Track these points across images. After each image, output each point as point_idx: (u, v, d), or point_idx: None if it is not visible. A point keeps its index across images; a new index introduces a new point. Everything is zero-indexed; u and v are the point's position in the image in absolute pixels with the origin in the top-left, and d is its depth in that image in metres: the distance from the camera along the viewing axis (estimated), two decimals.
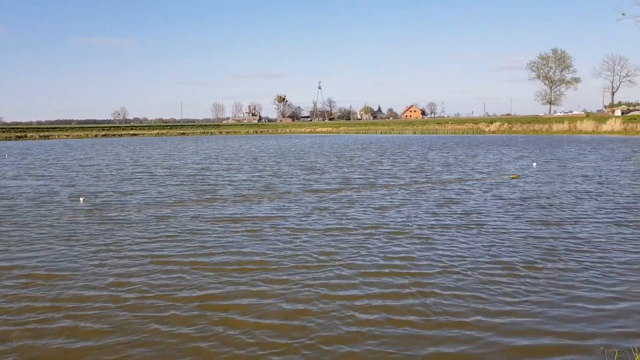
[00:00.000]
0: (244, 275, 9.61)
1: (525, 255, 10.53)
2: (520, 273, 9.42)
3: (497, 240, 11.82)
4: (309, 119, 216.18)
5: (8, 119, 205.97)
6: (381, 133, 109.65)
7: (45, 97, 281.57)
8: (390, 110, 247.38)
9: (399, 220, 14.24)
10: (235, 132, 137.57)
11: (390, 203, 17.03)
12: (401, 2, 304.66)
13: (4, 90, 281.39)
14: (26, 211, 16.43)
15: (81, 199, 18.56)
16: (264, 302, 8.23)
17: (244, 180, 24.21)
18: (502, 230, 12.80)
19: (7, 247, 11.80)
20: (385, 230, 13.03)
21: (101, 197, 19.16)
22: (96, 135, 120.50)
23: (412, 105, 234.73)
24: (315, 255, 10.80)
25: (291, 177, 25.09)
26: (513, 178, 23.44)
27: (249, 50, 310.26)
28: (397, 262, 10.23)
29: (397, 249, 11.26)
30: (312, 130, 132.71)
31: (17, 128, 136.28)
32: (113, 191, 20.79)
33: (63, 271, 9.93)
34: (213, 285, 9.04)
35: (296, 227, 13.60)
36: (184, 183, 23.34)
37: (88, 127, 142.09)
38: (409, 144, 57.69)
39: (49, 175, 27.80)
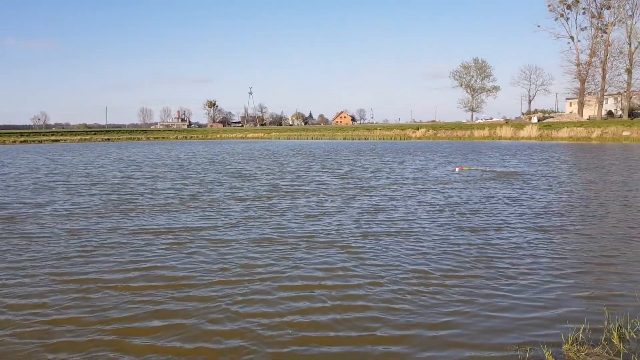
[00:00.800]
0: (161, 293, 8.98)
1: (447, 263, 10.54)
2: (446, 282, 9.37)
3: (423, 248, 11.81)
4: (240, 125, 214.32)
5: None
6: (312, 139, 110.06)
7: None
8: (321, 116, 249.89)
9: (328, 229, 13.99)
10: (164, 137, 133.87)
11: (319, 211, 16.77)
12: (331, 7, 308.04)
13: None
14: None
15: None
16: (184, 322, 7.68)
17: (168, 188, 23.22)
18: (428, 238, 12.84)
19: None
20: (314, 240, 12.73)
21: (8, 209, 17.70)
22: (14, 142, 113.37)
23: (342, 112, 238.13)
24: (236, 270, 10.31)
25: (218, 185, 24.35)
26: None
27: (178, 54, 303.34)
28: (323, 274, 9.94)
29: (326, 259, 10.97)
30: (244, 136, 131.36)
31: None
32: (22, 202, 19.28)
33: None
34: (125, 306, 8.36)
35: (220, 238, 13.03)
36: (103, 192, 22.05)
37: (5, 133, 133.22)
38: (339, 150, 58.09)
39: None
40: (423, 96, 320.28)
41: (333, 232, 13.64)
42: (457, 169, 29.96)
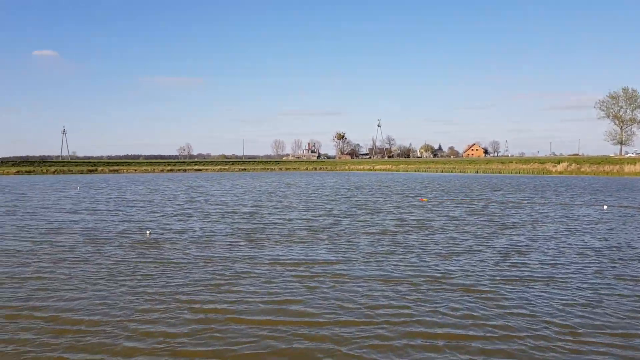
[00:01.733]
0: (287, 329, 8.65)
1: (600, 319, 8.99)
2: (596, 340, 7.93)
3: (574, 298, 10.29)
4: (368, 157, 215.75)
5: (81, 153, 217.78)
6: (442, 172, 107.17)
7: (115, 133, 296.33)
8: (451, 148, 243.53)
9: (461, 270, 12.90)
10: (295, 168, 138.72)
11: (451, 250, 15.64)
12: (461, 42, 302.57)
13: (78, 127, 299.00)
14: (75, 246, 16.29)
15: (148, 232, 19.15)
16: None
17: (297, 219, 23.42)
18: (580, 286, 11.22)
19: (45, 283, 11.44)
20: (446, 281, 11.75)
21: (152, 234, 18.87)
22: (162, 170, 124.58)
23: (474, 144, 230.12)
24: (364, 310, 9.69)
25: (346, 217, 24.06)
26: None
27: (309, 88, 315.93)
28: (456, 321, 8.96)
29: (459, 305, 9.96)
30: (371, 168, 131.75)
31: (89, 162, 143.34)
32: (163, 228, 20.49)
33: (94, 317, 9.35)
34: (245, 340, 8.13)
35: (348, 273, 12.54)
36: (236, 221, 22.79)
37: (155, 162, 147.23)
38: (471, 184, 55.47)
39: (105, 210, 28.19)
40: (564, 128, 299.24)
41: (467, 273, 12.52)
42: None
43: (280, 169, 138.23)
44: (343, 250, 15.68)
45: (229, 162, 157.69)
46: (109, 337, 8.34)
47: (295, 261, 14.01)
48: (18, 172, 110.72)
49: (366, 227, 20.58)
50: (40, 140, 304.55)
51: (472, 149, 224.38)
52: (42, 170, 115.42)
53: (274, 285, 11.52)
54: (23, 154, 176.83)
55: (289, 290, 11.07)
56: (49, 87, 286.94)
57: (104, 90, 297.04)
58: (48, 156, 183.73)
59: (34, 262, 13.97)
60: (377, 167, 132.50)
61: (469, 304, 9.99)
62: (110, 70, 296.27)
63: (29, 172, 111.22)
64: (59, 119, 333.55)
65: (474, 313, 9.45)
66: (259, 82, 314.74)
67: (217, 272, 12.75)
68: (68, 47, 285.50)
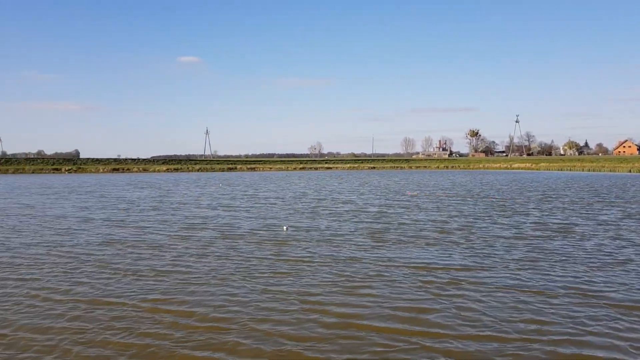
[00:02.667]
0: (412, 339, 8.00)
1: None
2: None
3: None
4: (504, 154, 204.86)
5: (221, 152, 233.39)
6: (588, 170, 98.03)
7: (252, 133, 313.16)
8: (599, 145, 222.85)
9: (618, 283, 11.23)
10: (425, 167, 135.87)
11: (602, 260, 13.80)
12: (607, 26, 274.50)
13: (219, 127, 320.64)
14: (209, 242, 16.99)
15: (285, 227, 19.85)
16: None
17: (426, 220, 22.45)
18: None
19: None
20: (599, 296, 10.25)
21: (281, 233, 19.15)
22: (295, 168, 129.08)
23: (626, 140, 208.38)
24: (496, 323, 8.70)
25: (481, 219, 22.56)
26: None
27: (440, 84, 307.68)
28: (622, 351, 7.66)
29: (614, 325, 8.57)
30: (508, 166, 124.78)
31: (229, 161, 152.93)
32: (290, 225, 20.73)
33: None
34: (372, 351, 7.61)
35: (485, 282, 11.51)
36: (363, 220, 22.41)
37: (288, 161, 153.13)
38: (626, 185, 49.66)
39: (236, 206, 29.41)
40: None
41: (625, 288, 10.85)
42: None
43: (410, 167, 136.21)
44: (476, 255, 14.55)
45: (358, 160, 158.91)
46: (238, 336, 8.30)
47: (424, 265, 13.23)
48: (167, 169, 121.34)
49: (503, 230, 19.05)
50: (186, 140, 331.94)
51: (624, 146, 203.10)
52: (187, 168, 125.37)
53: (402, 290, 10.88)
54: (171, 153, 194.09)
55: (419, 297, 10.38)
56: (193, 91, 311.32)
57: (241, 93, 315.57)
58: (192, 155, 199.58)
59: (172, 256, 14.71)
60: (515, 165, 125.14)
61: (627, 324, 8.55)
62: (247, 74, 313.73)
63: (176, 170, 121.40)
64: (202, 121, 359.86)
65: (635, 335, 8.04)
66: (388, 81, 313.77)
67: (345, 273, 12.42)
68: (210, 53, 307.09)
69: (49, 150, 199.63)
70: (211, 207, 29.33)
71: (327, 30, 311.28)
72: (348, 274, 12.34)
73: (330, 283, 11.47)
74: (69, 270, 12.85)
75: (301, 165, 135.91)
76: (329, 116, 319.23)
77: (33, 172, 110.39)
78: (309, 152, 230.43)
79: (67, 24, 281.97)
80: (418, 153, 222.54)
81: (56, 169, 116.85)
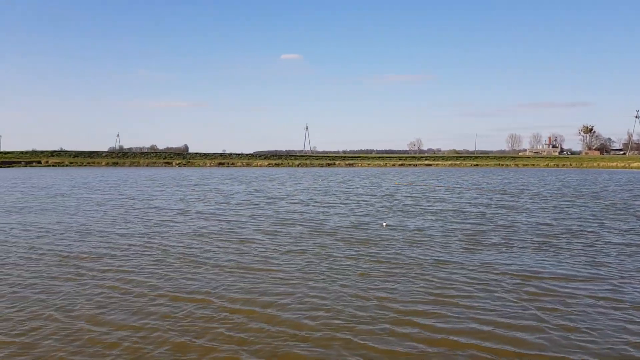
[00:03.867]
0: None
1: None
2: None
3: None
4: (621, 153, 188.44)
5: (320, 148, 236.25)
6: None
7: (350, 130, 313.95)
8: None
9: None
10: (533, 164, 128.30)
11: None
12: None
13: (318, 124, 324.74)
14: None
15: (384, 223, 19.61)
16: None
17: (529, 221, 20.64)
18: None
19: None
20: None
21: (376, 232, 18.47)
22: (393, 165, 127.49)
23: None
24: (610, 347, 7.43)
25: (590, 222, 20.37)
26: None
27: (550, 76, 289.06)
28: None
29: None
30: (626, 165, 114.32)
31: (328, 156, 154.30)
32: (376, 223, 19.95)
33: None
34: None
35: (591, 294, 10.10)
36: (458, 220, 21.09)
37: (386, 157, 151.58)
38: None
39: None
40: None
41: None
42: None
43: (516, 165, 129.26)
44: (586, 263, 12.94)
45: (460, 157, 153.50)
46: (314, 346, 7.79)
47: (526, 273, 11.92)
48: (269, 164, 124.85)
49: (617, 237, 16.98)
50: (286, 136, 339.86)
51: None
52: (288, 163, 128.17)
53: (500, 302, 9.78)
54: (272, 149, 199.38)
55: (518, 312, 9.25)
56: (293, 88, 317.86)
57: (340, 89, 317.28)
58: (292, 150, 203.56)
59: (261, 253, 14.53)
60: (634, 164, 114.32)
61: None
62: (346, 71, 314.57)
63: (277, 165, 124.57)
64: (302, 117, 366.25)
65: None
66: (492, 74, 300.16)
67: (436, 278, 11.51)
68: (310, 50, 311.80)
69: (160, 145, 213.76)
70: (303, 202, 29.27)
71: (427, 24, 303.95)
72: (439, 279, 11.40)
73: (421, 290, 10.60)
74: (156, 263, 13.07)
75: (400, 162, 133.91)
76: (429, 112, 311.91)
77: (147, 166, 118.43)
78: (408, 149, 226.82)
79: (176, 25, 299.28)
80: (525, 150, 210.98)
81: (167, 163, 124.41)
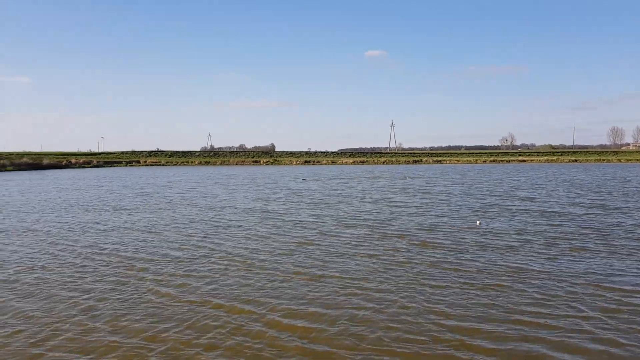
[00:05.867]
0: None
1: None
2: None
3: None
4: None
5: (406, 145, 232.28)
6: None
7: (437, 125, 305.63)
8: None
9: None
10: (638, 160, 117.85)
11: None
12: None
13: (403, 120, 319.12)
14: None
15: (478, 222, 18.98)
16: None
17: (628, 223, 18.39)
18: None
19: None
20: None
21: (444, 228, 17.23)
22: (484, 161, 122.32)
23: None
24: None
25: None
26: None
27: None
28: None
29: None
30: None
31: (414, 153, 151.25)
32: (463, 226, 18.59)
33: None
34: None
35: None
36: (547, 223, 19.21)
37: (476, 153, 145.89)
38: None
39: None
40: None
41: None
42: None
43: (619, 160, 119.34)
44: None
45: (557, 152, 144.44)
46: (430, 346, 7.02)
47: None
48: (354, 162, 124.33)
49: None
50: (371, 133, 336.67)
51: None
52: (373, 160, 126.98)
53: (590, 320, 8.45)
54: (357, 146, 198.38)
55: (618, 330, 7.93)
56: (378, 85, 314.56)
57: (426, 84, 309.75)
58: (377, 148, 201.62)
59: (320, 254, 13.92)
60: None
61: None
62: (431, 65, 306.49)
63: (362, 162, 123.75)
64: (387, 113, 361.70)
65: None
66: (592, 63, 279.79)
67: (530, 286, 10.29)
68: (394, 46, 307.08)
69: (249, 144, 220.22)
70: (373, 200, 28.32)
71: (518, 13, 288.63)
72: (531, 288, 10.15)
73: (530, 301, 9.46)
74: (213, 266, 12.80)
75: (491, 158, 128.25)
76: (522, 105, 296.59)
77: (236, 164, 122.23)
78: (499, 144, 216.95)
79: (257, 25, 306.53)
80: (629, 144, 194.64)
81: (255, 161, 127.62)
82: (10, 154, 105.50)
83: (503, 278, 11.21)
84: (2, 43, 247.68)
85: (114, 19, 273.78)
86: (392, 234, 17.09)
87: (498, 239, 15.87)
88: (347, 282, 11.00)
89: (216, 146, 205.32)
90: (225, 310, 9.19)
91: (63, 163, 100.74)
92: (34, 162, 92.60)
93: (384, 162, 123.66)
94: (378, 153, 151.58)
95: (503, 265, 12.42)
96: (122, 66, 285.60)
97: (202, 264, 12.92)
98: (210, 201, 29.02)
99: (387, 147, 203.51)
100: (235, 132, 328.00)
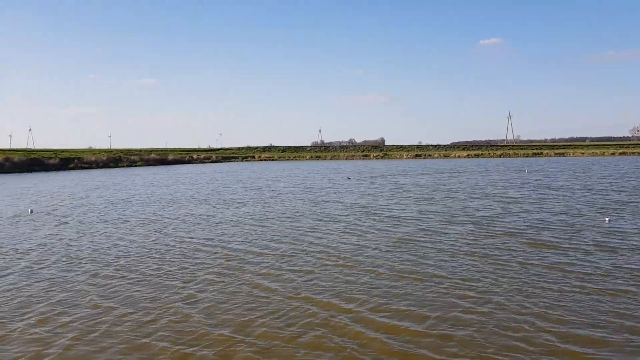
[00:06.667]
0: None
1: None
2: None
3: None
4: None
5: (524, 137, 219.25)
6: None
7: (559, 116, 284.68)
8: None
9: None
10: None
11: None
12: None
13: (522, 111, 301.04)
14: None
15: (607, 219, 17.65)
16: None
17: None
18: None
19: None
20: None
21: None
22: (613, 154, 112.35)
23: None
24: None
25: None
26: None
27: None
28: None
29: None
30: None
31: (534, 146, 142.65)
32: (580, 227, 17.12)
33: None
34: None
35: None
36: None
37: (603, 145, 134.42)
38: None
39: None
40: None
41: None
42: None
43: None
44: None
45: None
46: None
47: None
48: (467, 155, 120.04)
49: None
50: (486, 125, 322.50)
51: None
52: (488, 153, 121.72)
53: None
54: (470, 139, 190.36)
55: None
56: (494, 75, 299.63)
57: (546, 73, 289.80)
58: (493, 140, 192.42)
59: (423, 253, 13.52)
60: None
61: None
62: (552, 53, 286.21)
63: (476, 155, 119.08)
64: (504, 105, 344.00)
65: None
66: None
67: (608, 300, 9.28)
68: (512, 33, 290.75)
69: (358, 139, 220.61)
70: (483, 195, 26.96)
71: None
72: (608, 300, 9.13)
73: (579, 309, 8.59)
74: (311, 260, 12.90)
75: (620, 150, 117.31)
76: None
77: (346, 159, 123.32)
78: (629, 135, 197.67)
79: (368, 20, 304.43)
80: None
81: (365, 155, 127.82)
82: (140, 150, 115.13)
83: (630, 284, 10.06)
84: (131, 50, 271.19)
85: (225, 21, 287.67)
86: (500, 231, 16.11)
87: (624, 239, 14.35)
88: (442, 280, 10.50)
89: (326, 141, 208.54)
90: (316, 304, 9.14)
91: (186, 159, 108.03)
92: (161, 158, 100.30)
93: (500, 155, 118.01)
94: (494, 146, 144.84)
95: (628, 268, 11.17)
96: (237, 68, 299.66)
97: (301, 257, 13.03)
98: (316, 195, 29.41)
99: (503, 140, 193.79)
100: (345, 126, 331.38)
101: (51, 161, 75.74)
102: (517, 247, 13.71)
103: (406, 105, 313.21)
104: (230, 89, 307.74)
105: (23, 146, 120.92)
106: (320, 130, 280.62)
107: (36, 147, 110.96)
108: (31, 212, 23.10)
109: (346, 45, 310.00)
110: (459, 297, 9.41)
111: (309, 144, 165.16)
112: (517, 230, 16.14)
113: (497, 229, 16.63)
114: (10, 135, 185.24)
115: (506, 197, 26.12)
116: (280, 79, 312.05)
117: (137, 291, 10.23)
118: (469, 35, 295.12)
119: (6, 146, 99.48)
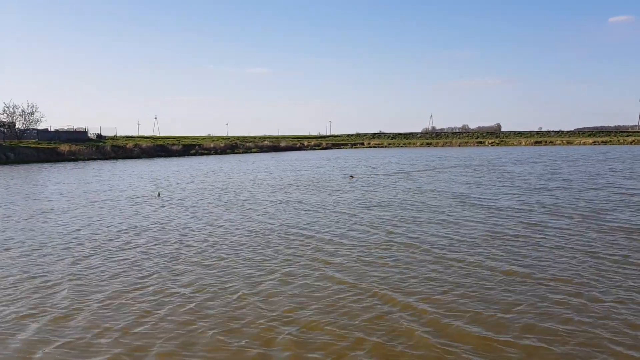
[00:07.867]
0: None
1: None
2: None
3: None
4: None
5: None
6: None
7: None
8: None
9: None
10: None
11: None
12: None
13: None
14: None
15: None
16: None
17: None
18: None
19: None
20: None
21: None
22: None
23: None
24: None
25: None
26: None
27: None
28: None
29: None
30: None
31: None
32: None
33: None
34: None
35: None
36: None
37: None
38: None
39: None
40: None
41: None
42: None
43: None
44: None
45: None
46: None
47: None
48: (594, 142, 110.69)
49: None
50: (614, 109, 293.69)
51: None
52: (617, 140, 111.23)
53: None
54: (597, 125, 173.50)
55: None
56: (623, 54, 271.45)
57: None
58: (623, 126, 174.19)
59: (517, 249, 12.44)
60: None
61: None
62: None
63: (604, 142, 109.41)
64: (635, 88, 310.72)
65: None
66: None
67: None
68: None
69: (472, 125, 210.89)
70: (597, 186, 24.31)
71: None
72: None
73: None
74: (388, 252, 12.35)
75: None
76: None
77: (459, 145, 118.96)
78: None
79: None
80: None
81: (480, 142, 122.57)
82: (254, 137, 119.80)
83: None
84: (246, 41, 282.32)
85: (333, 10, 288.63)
86: (614, 226, 14.32)
87: None
88: (527, 278, 9.43)
89: (437, 127, 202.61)
90: (374, 296, 8.63)
91: (297, 145, 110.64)
92: (274, 145, 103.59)
93: (631, 142, 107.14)
94: (624, 132, 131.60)
95: None
96: (344, 55, 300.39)
97: (380, 247, 12.46)
98: (414, 184, 28.44)
99: (635, 125, 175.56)
100: (458, 112, 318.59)
101: (174, 147, 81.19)
102: (630, 243, 12.05)
103: (523, 88, 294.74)
104: (340, 76, 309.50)
105: (149, 133, 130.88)
106: (431, 116, 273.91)
107: (161, 135, 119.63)
108: (159, 195, 24.27)
109: (458, 25, 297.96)
110: (542, 298, 8.38)
111: (420, 131, 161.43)
112: (635, 226, 14.26)
113: (610, 222, 14.85)
114: (138, 124, 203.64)
115: (625, 188, 23.39)
116: (389, 63, 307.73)
117: (208, 276, 10.32)
118: (597, 13, 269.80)
119: (134, 133, 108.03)
